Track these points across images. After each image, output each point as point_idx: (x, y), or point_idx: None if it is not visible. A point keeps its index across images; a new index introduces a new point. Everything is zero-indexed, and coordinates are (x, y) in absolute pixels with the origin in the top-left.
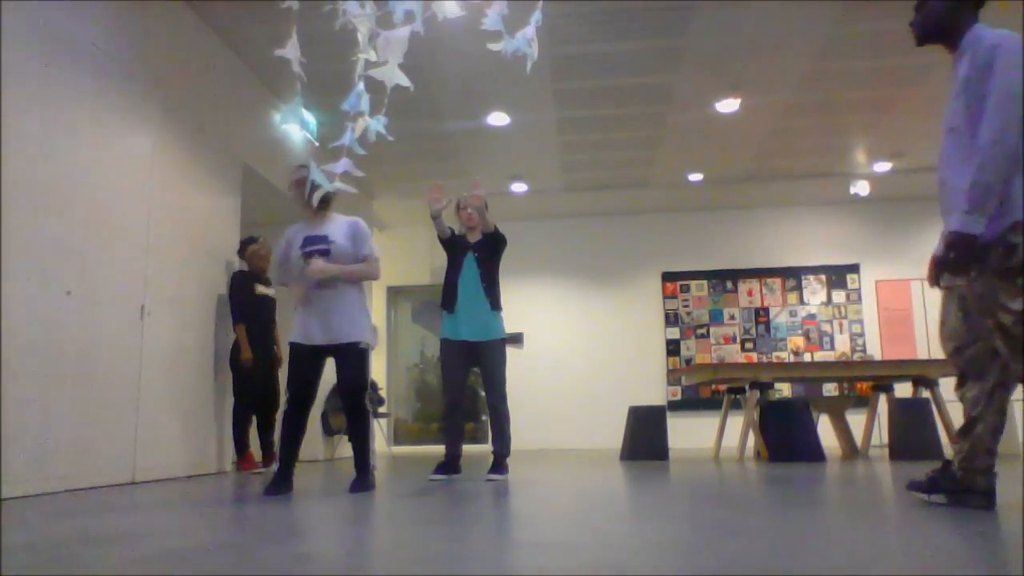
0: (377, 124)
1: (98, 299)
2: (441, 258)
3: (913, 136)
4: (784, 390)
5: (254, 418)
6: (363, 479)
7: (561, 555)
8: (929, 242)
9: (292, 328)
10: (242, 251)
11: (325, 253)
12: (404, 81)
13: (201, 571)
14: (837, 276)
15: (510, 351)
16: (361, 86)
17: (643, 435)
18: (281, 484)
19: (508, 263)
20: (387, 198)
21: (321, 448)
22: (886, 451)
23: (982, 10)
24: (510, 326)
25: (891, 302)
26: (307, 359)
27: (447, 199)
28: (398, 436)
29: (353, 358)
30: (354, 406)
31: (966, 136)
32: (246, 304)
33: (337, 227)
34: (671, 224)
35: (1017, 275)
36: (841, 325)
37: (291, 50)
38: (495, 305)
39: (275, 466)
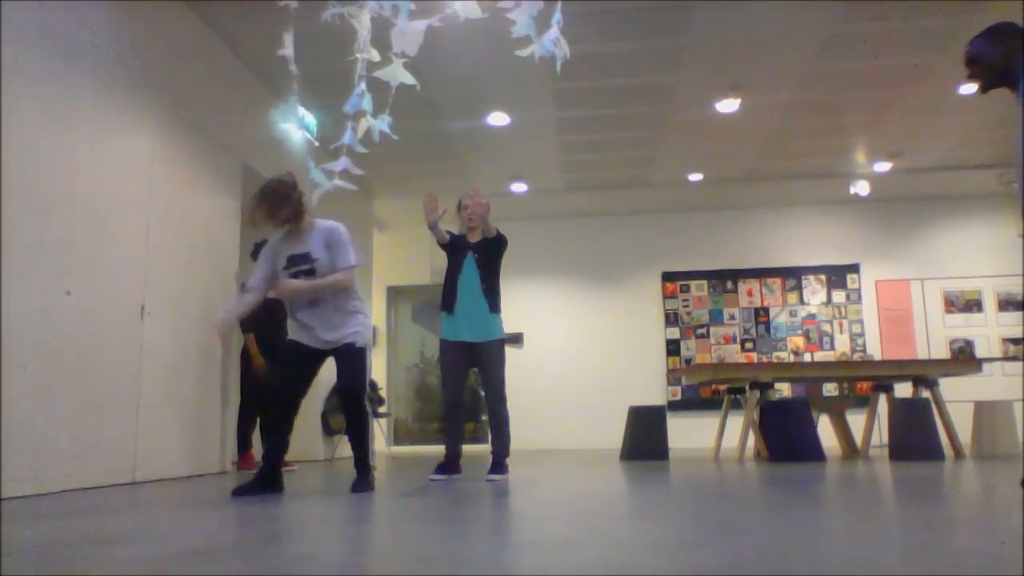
0: (381, 124)
1: (98, 299)
2: (441, 258)
3: (913, 136)
4: (784, 390)
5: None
6: (363, 479)
7: (561, 555)
8: (929, 242)
9: (291, 330)
10: (255, 254)
11: (311, 273)
12: (409, 79)
13: (201, 571)
14: (837, 276)
15: (510, 351)
16: (363, 86)
17: (643, 435)
18: (253, 486)
19: (508, 263)
20: (387, 198)
21: (321, 448)
22: (886, 451)
23: (980, 13)
24: (510, 326)
25: (891, 302)
26: (301, 358)
27: (443, 208)
28: (398, 436)
29: (350, 359)
30: (352, 407)
31: None
32: (256, 311)
33: (316, 239)
34: (671, 224)
35: None
36: (841, 325)
37: (287, 48)
38: (494, 306)
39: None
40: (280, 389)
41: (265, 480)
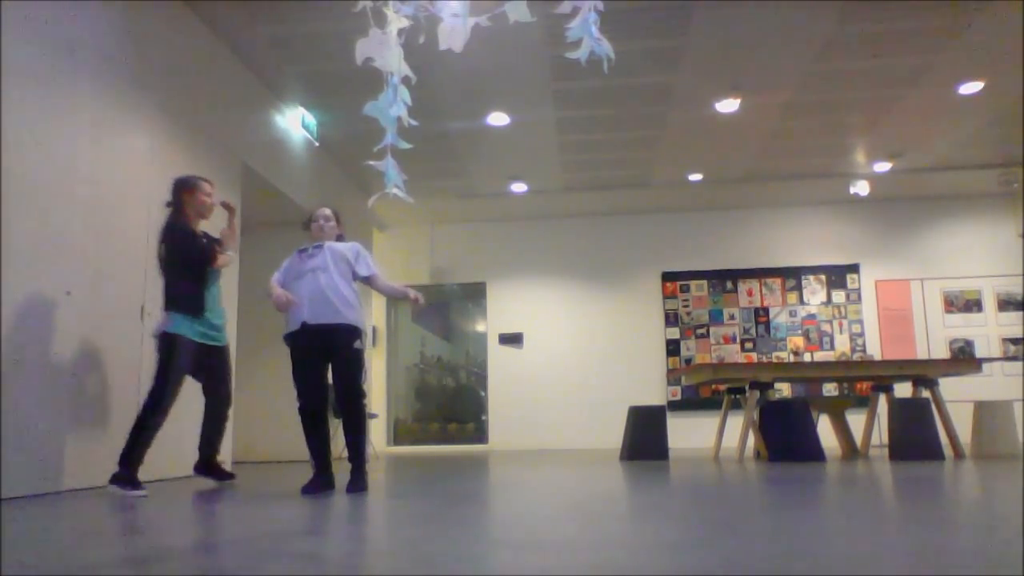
0: (399, 108)
1: (98, 299)
2: (441, 258)
3: (913, 136)
4: (784, 390)
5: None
6: (358, 479)
7: (561, 555)
8: (929, 242)
9: (284, 324)
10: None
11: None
12: (408, 71)
13: (200, 571)
14: (837, 276)
15: (511, 351)
16: (394, 80)
17: (643, 435)
18: (318, 482)
19: (509, 263)
20: (387, 198)
21: None
22: (886, 451)
23: (980, 13)
24: (510, 326)
25: (891, 302)
26: (305, 348)
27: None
28: (398, 436)
29: (349, 359)
30: (352, 407)
31: None
32: None
33: (328, 253)
34: (671, 224)
35: None
36: (841, 325)
37: (378, 48)
38: None
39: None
40: (306, 398)
41: (326, 475)
